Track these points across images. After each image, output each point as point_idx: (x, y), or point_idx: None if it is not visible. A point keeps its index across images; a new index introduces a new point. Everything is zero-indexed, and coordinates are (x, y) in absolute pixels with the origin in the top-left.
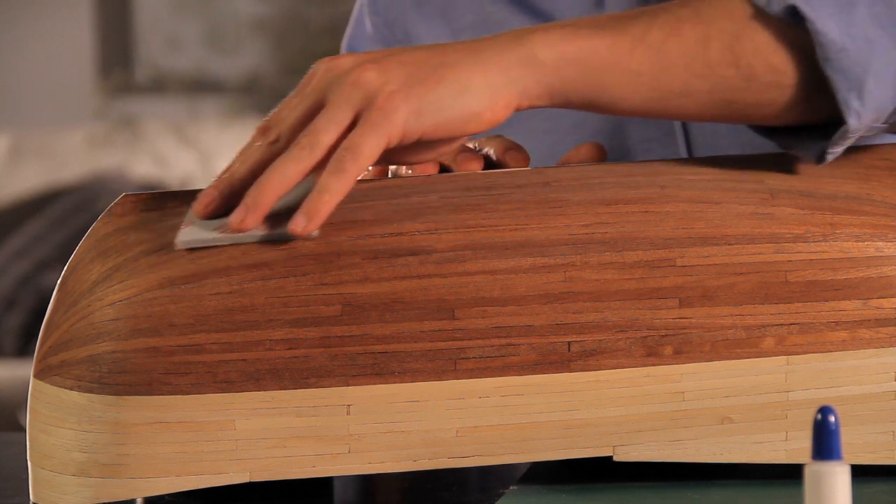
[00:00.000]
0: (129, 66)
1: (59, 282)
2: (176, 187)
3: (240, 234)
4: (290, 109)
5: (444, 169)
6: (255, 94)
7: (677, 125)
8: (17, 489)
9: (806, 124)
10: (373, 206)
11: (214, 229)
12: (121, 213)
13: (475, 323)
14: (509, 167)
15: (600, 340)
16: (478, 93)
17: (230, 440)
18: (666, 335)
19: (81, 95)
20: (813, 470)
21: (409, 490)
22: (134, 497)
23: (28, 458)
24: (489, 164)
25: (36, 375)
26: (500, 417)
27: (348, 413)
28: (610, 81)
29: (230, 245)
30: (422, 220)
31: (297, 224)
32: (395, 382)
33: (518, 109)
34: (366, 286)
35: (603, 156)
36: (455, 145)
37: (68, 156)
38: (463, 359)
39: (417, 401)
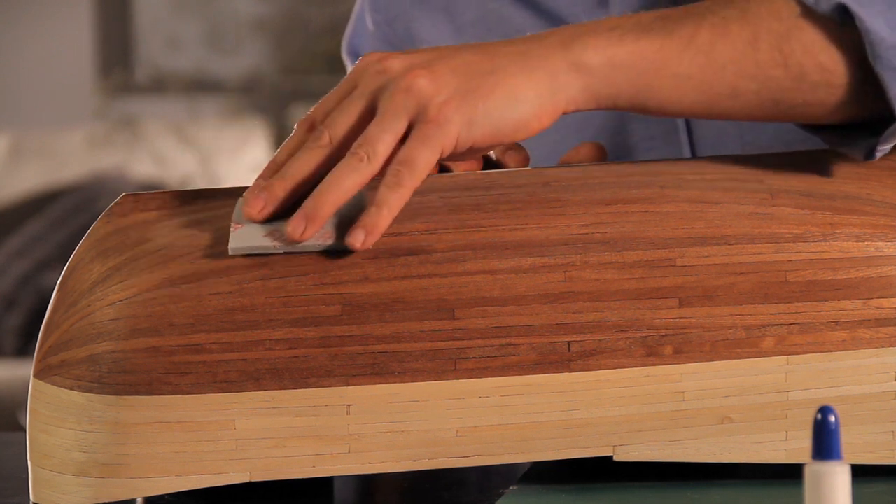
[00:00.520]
0: (129, 66)
1: (59, 282)
2: (176, 187)
3: (299, 243)
4: (340, 111)
5: (443, 169)
6: (255, 94)
7: (680, 123)
8: (17, 489)
9: (854, 122)
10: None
11: (266, 235)
12: (121, 213)
13: (475, 323)
14: (509, 167)
15: (600, 340)
16: (526, 101)
17: (230, 440)
18: (666, 335)
19: (81, 95)
20: (813, 470)
21: (409, 490)
22: (134, 497)
23: (28, 457)
24: (488, 163)
25: (36, 375)
26: (500, 417)
27: (348, 413)
28: (658, 85)
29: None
30: (422, 220)
31: (357, 238)
32: (395, 382)
33: (564, 114)
34: (366, 286)
35: (603, 155)
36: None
37: (68, 156)
38: (463, 359)
39: (417, 401)
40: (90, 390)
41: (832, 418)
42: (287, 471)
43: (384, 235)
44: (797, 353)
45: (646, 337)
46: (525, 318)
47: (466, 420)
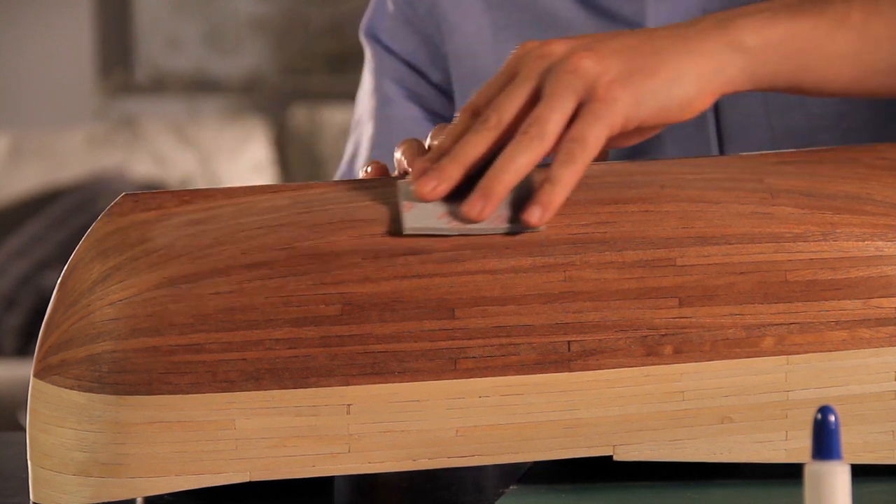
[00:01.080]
0: (129, 66)
1: (59, 281)
2: (176, 187)
3: (472, 226)
4: (506, 95)
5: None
6: (255, 94)
7: (710, 115)
8: (17, 489)
9: None
10: (373, 206)
11: (440, 217)
12: (121, 213)
13: (475, 322)
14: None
15: (600, 340)
16: (689, 81)
17: (230, 440)
18: (666, 335)
19: (81, 95)
20: (813, 469)
21: (409, 490)
22: (134, 496)
23: (28, 457)
24: None
25: (36, 375)
26: (500, 417)
27: (348, 413)
28: (815, 64)
29: (437, 236)
30: None
31: (533, 215)
32: (395, 382)
33: (722, 95)
34: (366, 286)
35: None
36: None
37: (68, 156)
38: (463, 358)
39: (417, 400)
40: (90, 390)
41: (832, 418)
42: (287, 471)
43: (384, 235)
44: (797, 353)
45: (646, 337)
46: (525, 317)
47: (466, 420)
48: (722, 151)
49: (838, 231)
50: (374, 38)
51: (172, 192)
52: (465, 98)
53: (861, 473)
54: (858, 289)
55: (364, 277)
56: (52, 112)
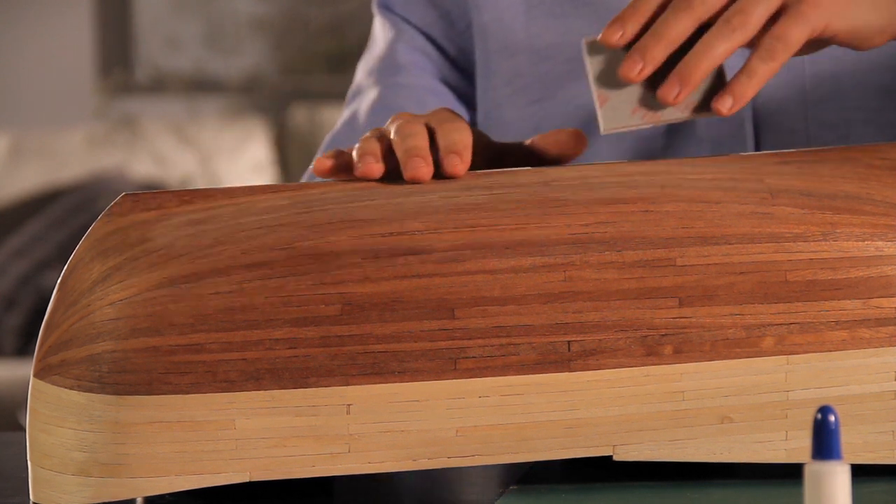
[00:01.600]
0: (129, 66)
1: (59, 281)
2: (176, 187)
3: (662, 117)
4: None
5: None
6: (254, 94)
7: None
8: (17, 489)
9: None
10: (373, 206)
11: (633, 112)
12: (121, 213)
13: (475, 322)
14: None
15: (600, 340)
16: (884, 14)
17: (230, 440)
18: (666, 335)
19: (81, 95)
20: (813, 469)
21: (409, 490)
22: (134, 496)
23: (28, 457)
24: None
25: (36, 375)
26: (500, 417)
27: (348, 413)
28: None
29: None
30: (422, 220)
31: (724, 104)
32: (395, 382)
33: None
34: (366, 286)
35: (581, 143)
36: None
37: (68, 156)
38: (463, 358)
39: (417, 400)
40: (90, 390)
41: (832, 418)
42: (287, 470)
43: (384, 235)
44: (797, 353)
45: (646, 336)
46: (525, 317)
47: (466, 420)
48: (757, 143)
49: (838, 231)
50: (388, 10)
51: (172, 192)
52: (492, 73)
53: (861, 473)
54: (858, 289)
55: (364, 277)
56: (52, 112)
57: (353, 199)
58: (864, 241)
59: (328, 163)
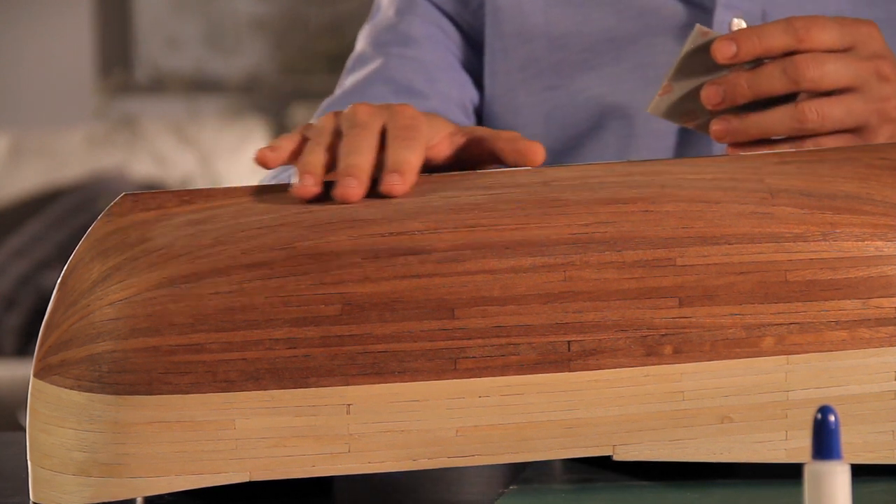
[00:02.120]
0: (129, 66)
1: (58, 281)
2: (176, 187)
3: (699, 129)
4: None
5: (434, 169)
6: (254, 94)
7: None
8: (17, 489)
9: None
10: (373, 206)
11: (681, 115)
12: (120, 213)
13: (475, 322)
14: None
15: (600, 340)
16: None
17: (230, 439)
18: (666, 334)
19: (81, 95)
20: (813, 469)
21: (409, 490)
22: (134, 496)
23: (28, 457)
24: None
25: (36, 375)
26: (500, 417)
27: (348, 413)
28: None
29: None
30: (422, 220)
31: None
32: (395, 382)
33: None
34: (366, 286)
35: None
36: None
37: (68, 156)
38: (463, 358)
39: (417, 400)
40: (90, 390)
41: (832, 418)
42: (287, 470)
43: (384, 235)
44: (797, 353)
45: (646, 336)
46: (525, 317)
47: (466, 420)
48: None
49: (838, 231)
50: None
51: (172, 192)
52: (505, 56)
53: (861, 473)
54: (858, 289)
55: (364, 277)
56: (52, 112)
57: None
58: (864, 241)
59: (273, 156)
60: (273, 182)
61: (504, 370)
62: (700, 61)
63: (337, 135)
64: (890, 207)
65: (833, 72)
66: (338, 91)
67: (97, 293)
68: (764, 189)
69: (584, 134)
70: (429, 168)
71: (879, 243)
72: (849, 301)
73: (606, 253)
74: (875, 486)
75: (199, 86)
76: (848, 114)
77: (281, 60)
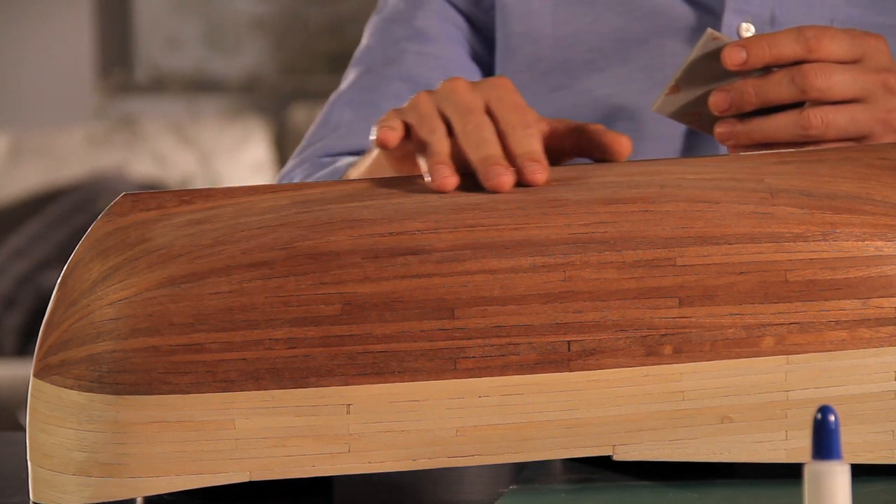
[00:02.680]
0: (129, 66)
1: (58, 281)
2: (176, 187)
3: (704, 131)
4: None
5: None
6: (254, 94)
7: None
8: (17, 489)
9: None
10: (373, 205)
11: (686, 115)
12: (120, 213)
13: (475, 322)
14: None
15: (600, 340)
16: None
17: (230, 439)
18: (666, 334)
19: (81, 95)
20: (813, 469)
21: (409, 490)
22: (134, 496)
23: (28, 457)
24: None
25: (36, 375)
26: (500, 417)
27: (348, 412)
28: None
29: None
30: (422, 220)
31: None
32: (394, 382)
33: None
34: (366, 285)
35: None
36: None
37: (68, 155)
38: (463, 358)
39: (417, 400)
40: (90, 390)
41: (832, 418)
42: (287, 470)
43: (384, 235)
44: (797, 353)
45: (645, 336)
46: (525, 317)
47: (466, 420)
48: None
49: (838, 231)
50: None
51: (172, 191)
52: (513, 55)
53: (861, 473)
54: (858, 289)
55: (364, 277)
56: (52, 112)
57: (352, 199)
58: (863, 240)
59: (394, 135)
60: (285, 182)
61: (504, 370)
62: (709, 65)
63: (443, 117)
64: (890, 207)
65: (840, 83)
66: (345, 84)
67: (97, 293)
68: (764, 189)
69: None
70: None
71: (879, 243)
72: (849, 301)
73: (606, 253)
74: (875, 486)
75: (199, 86)
76: (852, 122)
77: (281, 60)
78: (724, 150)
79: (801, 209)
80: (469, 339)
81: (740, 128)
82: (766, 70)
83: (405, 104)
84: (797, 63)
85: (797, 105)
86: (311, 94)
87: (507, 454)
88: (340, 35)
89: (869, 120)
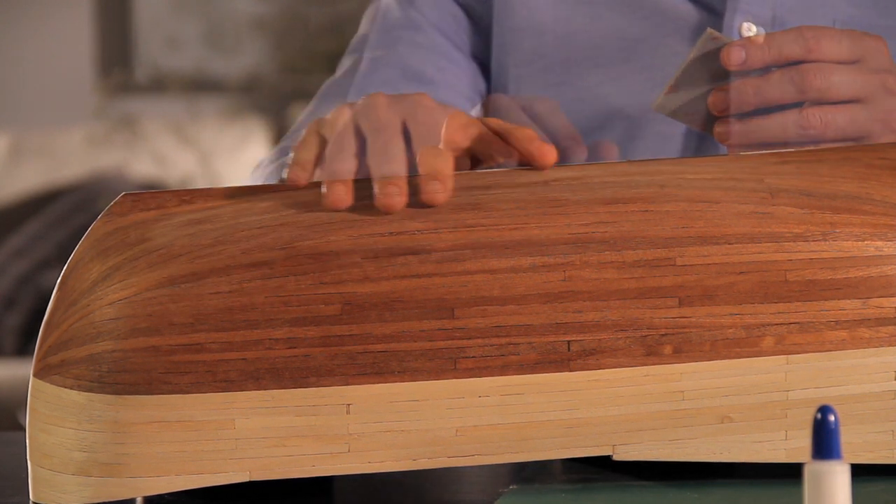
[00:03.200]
0: (129, 66)
1: (58, 281)
2: (176, 187)
3: (704, 130)
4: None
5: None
6: (254, 94)
7: None
8: (17, 489)
9: None
10: (372, 205)
11: (686, 114)
12: (120, 213)
13: (475, 322)
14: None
15: (600, 340)
16: None
17: (230, 439)
18: (666, 334)
19: (81, 95)
20: (813, 469)
21: (409, 490)
22: (134, 496)
23: (28, 457)
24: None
25: (36, 375)
26: (500, 417)
27: (348, 412)
28: None
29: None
30: (421, 219)
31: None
32: (394, 382)
33: None
34: (365, 285)
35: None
36: None
37: (68, 155)
38: (463, 358)
39: (417, 400)
40: (90, 390)
41: (832, 418)
42: (287, 470)
43: (384, 235)
44: (797, 353)
45: (645, 336)
46: (525, 317)
47: (466, 419)
48: None
49: (838, 231)
50: None
51: (172, 191)
52: (513, 49)
53: (861, 473)
54: (858, 289)
55: (364, 277)
56: (52, 112)
57: (353, 198)
58: (863, 240)
59: (304, 176)
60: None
61: (504, 370)
62: (708, 65)
63: (358, 134)
64: (890, 207)
65: (839, 83)
66: (339, 72)
67: (97, 293)
68: (764, 189)
69: (589, 133)
70: None
71: (879, 243)
72: (849, 301)
73: (606, 253)
74: (875, 486)
75: (199, 86)
76: (851, 123)
77: (281, 60)
78: (723, 150)
79: (801, 209)
80: (469, 338)
81: (739, 127)
82: (765, 69)
83: (328, 116)
84: (797, 63)
85: (796, 105)
86: (311, 94)
87: (507, 454)
88: (340, 35)
89: (868, 120)
